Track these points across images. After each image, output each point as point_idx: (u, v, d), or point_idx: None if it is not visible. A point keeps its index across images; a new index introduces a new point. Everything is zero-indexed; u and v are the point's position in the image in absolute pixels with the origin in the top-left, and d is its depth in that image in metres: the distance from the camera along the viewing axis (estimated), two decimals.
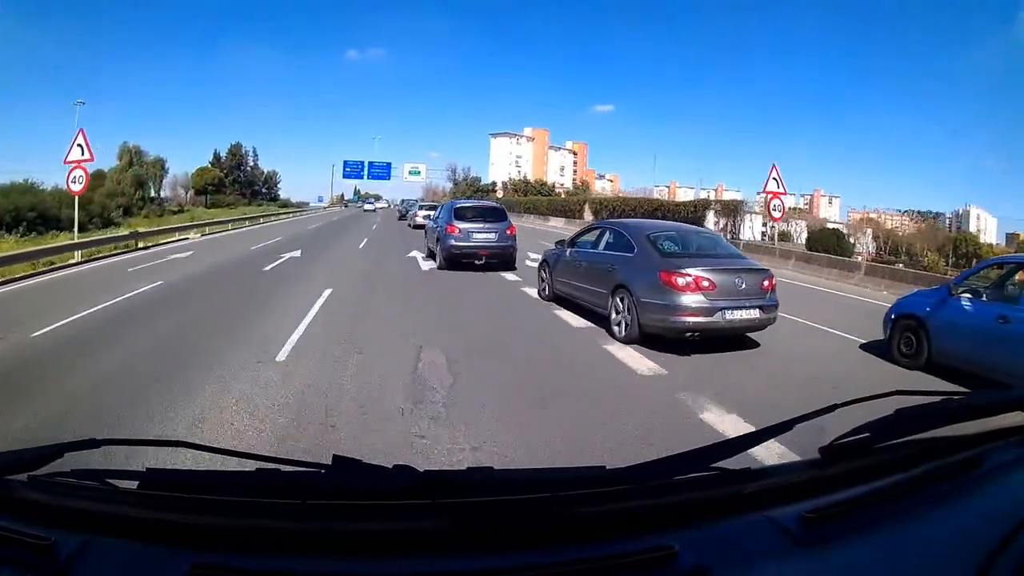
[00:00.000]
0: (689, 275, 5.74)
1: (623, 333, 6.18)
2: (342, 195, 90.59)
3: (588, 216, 34.59)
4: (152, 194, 56.46)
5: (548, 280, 8.41)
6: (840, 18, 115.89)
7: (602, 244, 7.22)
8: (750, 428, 4.47)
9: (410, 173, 75.26)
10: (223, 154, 76.65)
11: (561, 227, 32.31)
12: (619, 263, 6.60)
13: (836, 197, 64.83)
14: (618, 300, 6.36)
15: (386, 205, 73.93)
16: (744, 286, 5.92)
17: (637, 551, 0.79)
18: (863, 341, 6.75)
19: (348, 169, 74.45)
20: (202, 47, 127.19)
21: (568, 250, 7.95)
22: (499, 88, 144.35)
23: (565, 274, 7.86)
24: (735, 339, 6.17)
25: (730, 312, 5.77)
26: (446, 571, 0.78)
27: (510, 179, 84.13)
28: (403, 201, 55.42)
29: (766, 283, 6.10)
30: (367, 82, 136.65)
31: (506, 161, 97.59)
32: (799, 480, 0.96)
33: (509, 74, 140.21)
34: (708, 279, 5.75)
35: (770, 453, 1.47)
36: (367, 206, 70.59)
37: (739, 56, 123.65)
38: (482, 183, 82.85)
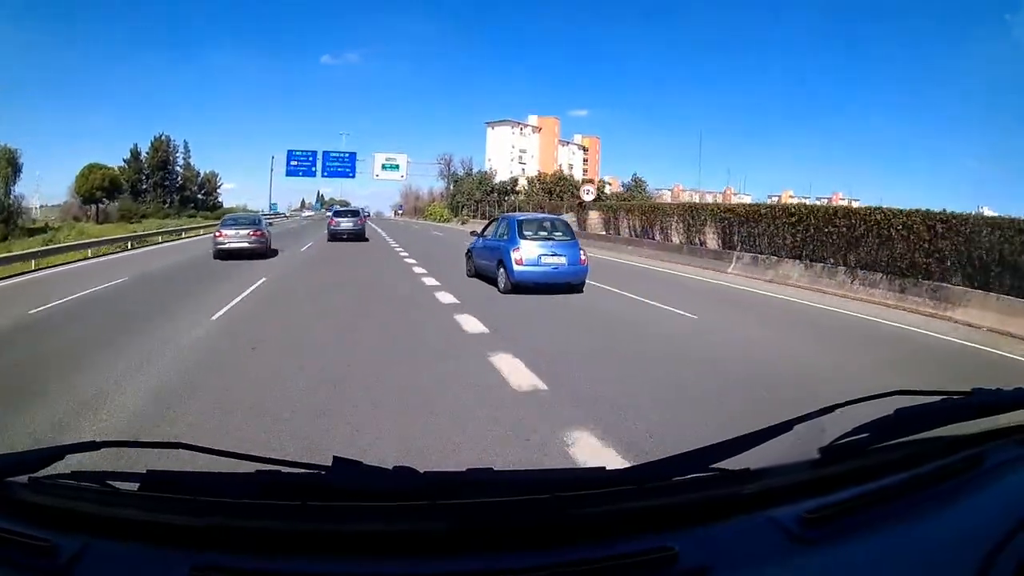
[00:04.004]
0: (221, 232, 16.42)
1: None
2: (302, 201, 73.85)
3: None
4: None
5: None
6: (857, 19, 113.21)
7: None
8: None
9: (384, 167, 54.24)
10: (144, 150, 57.59)
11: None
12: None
13: (856, 200, 62.20)
14: None
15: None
16: (244, 233, 16.31)
17: (637, 552, 0.79)
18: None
19: (293, 163, 50.11)
20: (151, 37, 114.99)
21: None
22: (474, 84, 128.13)
23: None
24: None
25: (232, 243, 16.06)
26: (446, 572, 0.79)
27: (539, 174, 60.05)
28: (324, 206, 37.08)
29: (253, 234, 16.29)
30: (330, 75, 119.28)
31: (507, 156, 78.13)
32: (799, 480, 0.97)
33: (488, 68, 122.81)
34: (228, 233, 16.30)
35: (769, 453, 1.35)
36: (306, 212, 60.01)
37: (746, 55, 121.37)
38: (498, 181, 58.09)
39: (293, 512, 0.81)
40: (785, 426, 0.96)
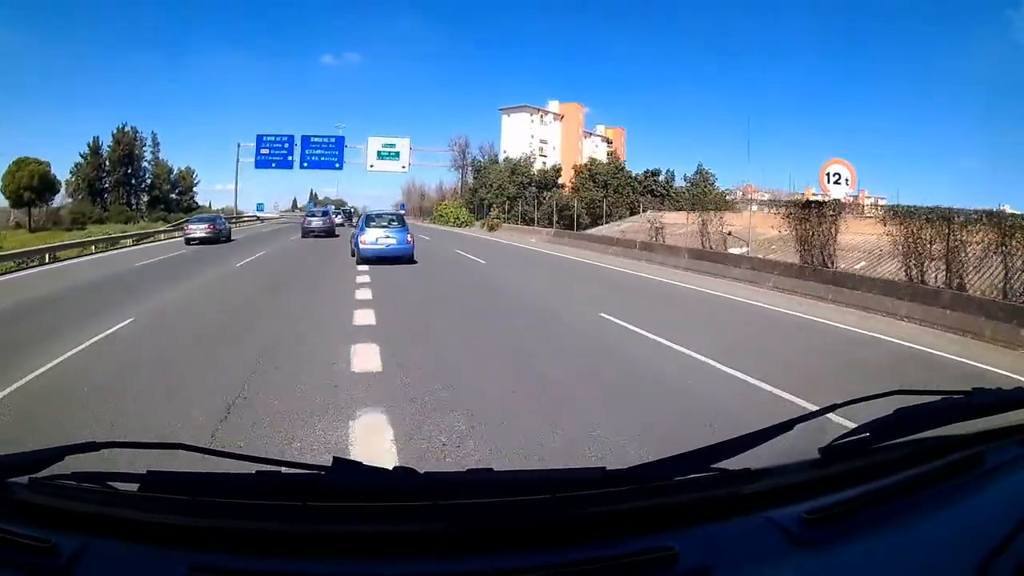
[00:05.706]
0: (188, 227, 25.04)
1: None
2: (293, 201, 67.32)
3: None
4: None
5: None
6: (858, 17, 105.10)
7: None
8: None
9: (381, 156, 43.07)
10: (106, 143, 50.73)
11: None
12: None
13: (882, 198, 54.79)
14: None
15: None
16: (203, 227, 24.33)
17: (638, 552, 0.80)
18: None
19: (263, 151, 41.54)
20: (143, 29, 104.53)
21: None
22: (474, 77, 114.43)
23: None
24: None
25: (195, 234, 23.84)
26: (446, 573, 0.79)
27: (590, 160, 44.84)
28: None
29: (209, 227, 24.20)
30: (325, 67, 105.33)
31: (525, 147, 59.79)
32: (799, 480, 0.97)
33: (481, 60, 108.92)
34: (192, 227, 24.47)
35: (769, 453, 1.06)
36: (254, 212, 48.94)
37: (747, 55, 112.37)
38: (538, 168, 44.53)
39: (293, 512, 0.81)
40: (785, 426, 0.96)
